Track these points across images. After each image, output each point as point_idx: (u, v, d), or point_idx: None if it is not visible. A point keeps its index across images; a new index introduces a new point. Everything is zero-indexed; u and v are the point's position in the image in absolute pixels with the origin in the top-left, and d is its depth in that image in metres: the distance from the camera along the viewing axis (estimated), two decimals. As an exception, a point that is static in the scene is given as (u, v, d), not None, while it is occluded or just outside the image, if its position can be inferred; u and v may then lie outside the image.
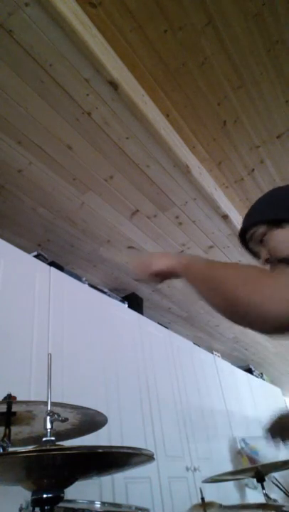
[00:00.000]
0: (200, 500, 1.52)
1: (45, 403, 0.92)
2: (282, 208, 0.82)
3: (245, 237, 0.90)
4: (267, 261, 0.84)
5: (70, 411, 0.98)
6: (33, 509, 0.80)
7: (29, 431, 1.05)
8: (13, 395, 0.93)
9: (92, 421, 1.06)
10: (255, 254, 0.90)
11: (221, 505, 1.51)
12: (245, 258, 2.86)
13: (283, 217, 0.80)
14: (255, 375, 4.52)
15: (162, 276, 0.84)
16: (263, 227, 0.84)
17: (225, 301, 0.66)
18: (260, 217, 0.85)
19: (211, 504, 1.52)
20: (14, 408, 0.94)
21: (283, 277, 0.64)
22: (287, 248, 0.79)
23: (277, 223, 0.81)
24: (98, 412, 1.01)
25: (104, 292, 2.57)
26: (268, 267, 0.84)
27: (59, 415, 0.91)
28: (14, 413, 0.96)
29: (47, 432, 0.89)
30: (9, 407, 0.93)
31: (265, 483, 1.62)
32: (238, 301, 0.63)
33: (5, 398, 0.93)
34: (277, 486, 1.77)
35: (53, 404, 0.93)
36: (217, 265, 0.75)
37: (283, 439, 1.33)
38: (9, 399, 0.92)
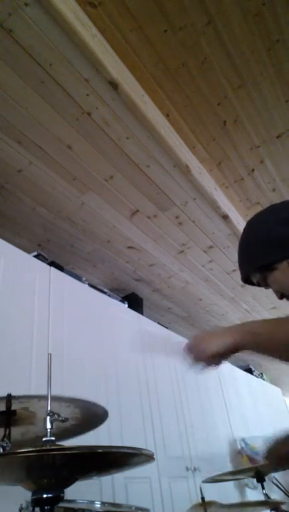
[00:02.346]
0: (200, 500, 1.52)
1: (42, 397, 0.92)
2: (267, 252, 0.83)
3: (252, 281, 0.92)
4: (282, 297, 0.87)
5: (66, 405, 0.99)
6: (33, 509, 0.80)
7: (32, 431, 1.05)
8: (13, 395, 0.93)
9: (92, 415, 1.06)
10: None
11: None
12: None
13: (270, 261, 0.82)
14: (255, 375, 4.52)
15: (220, 356, 0.83)
16: (258, 274, 0.86)
17: None
18: (251, 266, 0.87)
19: (211, 503, 1.52)
20: (13, 406, 0.94)
21: None
22: None
23: (267, 268, 0.83)
24: (96, 404, 1.02)
25: (104, 292, 2.57)
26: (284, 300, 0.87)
27: (59, 415, 0.91)
28: (14, 412, 0.95)
29: (47, 432, 0.89)
30: (8, 407, 0.93)
31: (265, 483, 1.62)
32: None
33: (4, 398, 0.93)
34: (277, 486, 1.77)
35: (52, 398, 0.93)
36: (274, 323, 0.79)
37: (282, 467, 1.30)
38: (9, 399, 0.92)
